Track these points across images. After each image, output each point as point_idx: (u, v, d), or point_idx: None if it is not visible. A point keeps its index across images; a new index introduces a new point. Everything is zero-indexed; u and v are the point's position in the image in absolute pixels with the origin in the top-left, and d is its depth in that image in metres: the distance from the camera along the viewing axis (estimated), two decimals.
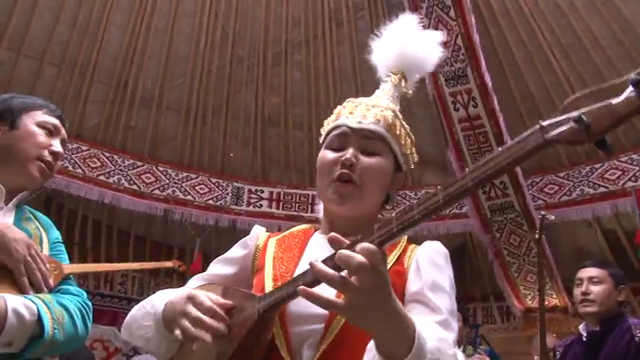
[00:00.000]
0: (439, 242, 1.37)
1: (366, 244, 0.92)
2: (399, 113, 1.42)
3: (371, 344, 1.04)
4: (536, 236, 2.77)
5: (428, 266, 1.29)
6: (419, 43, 1.49)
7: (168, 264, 4.17)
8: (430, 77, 5.61)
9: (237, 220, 6.66)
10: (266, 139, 6.81)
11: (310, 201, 6.77)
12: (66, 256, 1.76)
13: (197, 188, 6.67)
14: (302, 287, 0.96)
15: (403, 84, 1.51)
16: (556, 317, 6.17)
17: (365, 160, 1.32)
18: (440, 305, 1.24)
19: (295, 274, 1.24)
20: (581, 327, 2.69)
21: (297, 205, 6.80)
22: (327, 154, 1.35)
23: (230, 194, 6.75)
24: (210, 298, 1.20)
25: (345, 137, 1.34)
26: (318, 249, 1.32)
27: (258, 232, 1.43)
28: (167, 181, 6.52)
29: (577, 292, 2.68)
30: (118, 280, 6.97)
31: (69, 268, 1.74)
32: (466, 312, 6.48)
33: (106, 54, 6.10)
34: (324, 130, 1.44)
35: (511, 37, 5.80)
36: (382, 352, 1.00)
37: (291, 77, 6.49)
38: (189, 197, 6.59)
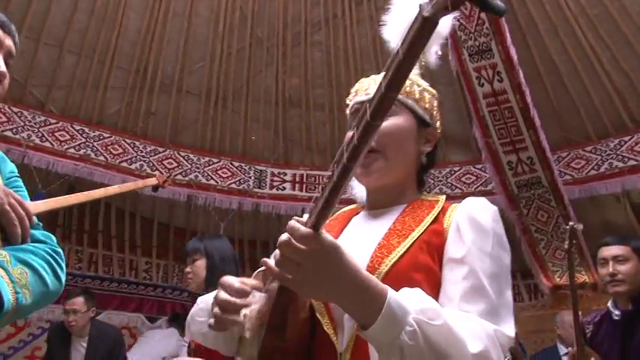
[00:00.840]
0: (484, 198, 1.31)
1: (291, 223, 0.98)
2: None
3: None
4: (566, 246, 2.69)
5: (468, 225, 1.23)
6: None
7: (152, 181, 3.85)
8: (453, 52, 5.52)
9: (260, 204, 6.63)
10: (287, 120, 6.75)
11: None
12: (26, 193, 1.49)
13: (219, 172, 6.64)
14: (264, 260, 1.04)
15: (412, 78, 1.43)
16: (585, 294, 6.08)
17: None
18: (477, 268, 1.17)
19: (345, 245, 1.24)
20: (610, 304, 2.64)
21: (320, 186, 6.75)
22: (348, 134, 1.31)
23: (253, 178, 6.72)
24: (241, 280, 1.21)
25: (358, 113, 1.28)
26: (355, 227, 1.35)
27: None
28: (189, 166, 6.50)
29: (603, 272, 2.63)
30: (142, 267, 6.98)
31: (33, 206, 1.46)
32: None
33: (124, 40, 6.06)
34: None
35: (535, 9, 5.66)
36: (356, 321, 1.04)
37: (311, 57, 6.42)
38: (211, 182, 6.57)
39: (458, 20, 5.54)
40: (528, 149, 5.62)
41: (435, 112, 1.42)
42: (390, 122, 1.32)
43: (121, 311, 6.77)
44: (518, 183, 5.94)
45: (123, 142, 6.33)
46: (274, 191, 6.74)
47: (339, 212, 1.44)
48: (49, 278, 1.34)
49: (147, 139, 6.42)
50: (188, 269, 3.12)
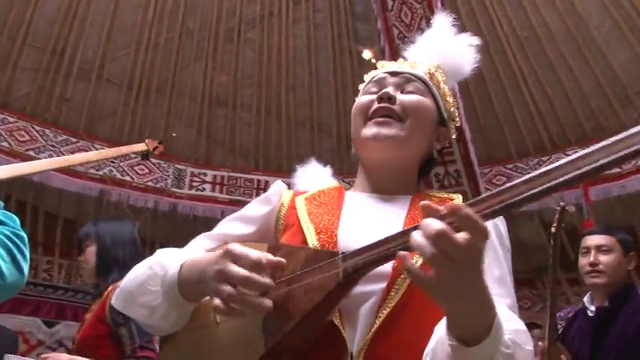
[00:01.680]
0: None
1: (470, 212, 0.73)
2: (442, 70, 1.32)
3: (440, 324, 0.90)
4: (553, 230, 2.59)
5: (496, 241, 1.14)
6: (455, 49, 1.37)
7: (140, 147, 3.42)
8: (389, 59, 5.52)
9: (178, 204, 6.29)
10: (212, 119, 6.48)
11: (256, 186, 6.52)
12: None
13: (136, 168, 6.24)
14: (402, 253, 0.78)
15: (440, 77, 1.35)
16: None
17: (406, 96, 1.22)
18: (509, 288, 1.11)
19: (340, 230, 1.10)
20: (586, 299, 2.53)
21: (241, 189, 6.51)
22: (362, 99, 1.26)
23: (171, 176, 6.37)
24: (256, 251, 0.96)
25: (382, 81, 1.25)
26: (357, 206, 1.19)
27: (282, 189, 1.27)
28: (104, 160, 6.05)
29: (584, 261, 2.54)
30: (43, 266, 6.40)
31: None
32: None
33: (41, 16, 5.58)
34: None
35: (470, 25, 5.77)
36: (455, 332, 0.84)
37: (242, 56, 6.21)
38: (127, 178, 6.16)
39: (397, 28, 5.61)
40: (456, 162, 5.70)
41: (452, 116, 1.32)
42: (417, 97, 1.23)
43: (14, 314, 6.15)
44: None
45: (31, 128, 5.81)
46: (193, 192, 6.42)
47: (318, 189, 1.27)
48: (5, 267, 1.16)
49: (58, 128, 5.92)
50: (80, 258, 2.73)
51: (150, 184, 6.23)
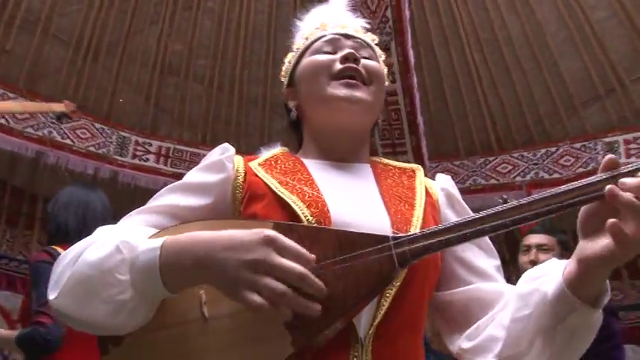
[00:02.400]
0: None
1: None
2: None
3: (556, 283, 0.87)
4: None
5: (461, 204, 1.20)
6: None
7: (58, 106, 3.22)
8: None
9: (119, 173, 6.04)
10: (162, 88, 6.23)
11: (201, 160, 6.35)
12: None
13: (77, 132, 5.93)
14: (611, 187, 0.79)
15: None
16: None
17: (367, 61, 1.18)
18: (490, 247, 1.16)
19: (328, 200, 1.03)
20: None
21: (187, 163, 6.31)
22: (317, 57, 1.19)
23: (114, 143, 6.10)
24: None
25: (337, 42, 1.21)
26: (324, 175, 1.12)
27: (233, 153, 1.16)
28: (43, 120, 5.71)
29: (524, 259, 2.64)
30: None
31: None
32: None
33: None
34: (291, 58, 1.29)
35: (432, 20, 5.84)
36: (587, 293, 0.85)
37: (200, 25, 5.99)
38: (67, 141, 5.84)
39: (362, 14, 5.58)
40: (407, 154, 5.74)
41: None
42: (376, 63, 1.21)
43: None
44: None
45: None
46: (136, 161, 6.18)
47: (266, 156, 1.19)
48: None
49: None
50: None
51: (91, 149, 5.95)
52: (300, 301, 0.81)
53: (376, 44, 1.29)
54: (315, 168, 1.15)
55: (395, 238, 0.87)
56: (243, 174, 1.11)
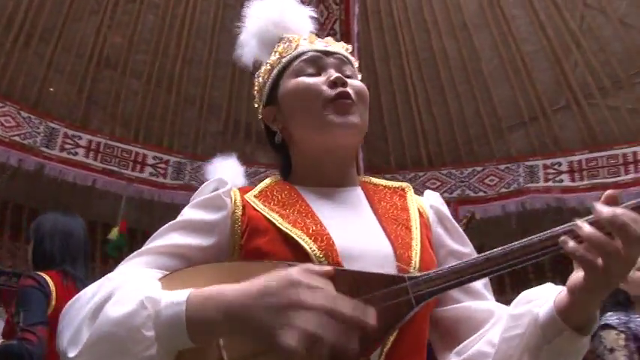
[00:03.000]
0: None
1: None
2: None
3: (548, 316, 0.92)
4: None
5: (451, 221, 1.21)
6: (300, 15, 1.34)
7: None
8: None
9: (45, 165, 5.76)
10: (97, 81, 6.02)
11: (133, 158, 6.18)
12: None
13: (2, 119, 5.61)
14: (564, 238, 0.83)
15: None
16: None
17: (353, 81, 1.17)
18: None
19: (332, 232, 1.04)
20: None
21: (117, 160, 6.12)
22: (303, 80, 1.16)
23: (42, 134, 5.81)
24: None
25: (319, 61, 1.18)
26: (321, 204, 1.12)
27: (229, 187, 1.13)
28: None
29: None
30: None
31: None
32: None
33: None
34: (265, 74, 1.24)
35: (375, 36, 6.01)
36: (574, 321, 0.90)
37: (143, 19, 5.85)
38: None
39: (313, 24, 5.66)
40: None
41: None
42: (360, 83, 1.19)
43: None
44: None
45: None
46: (64, 154, 5.92)
47: (260, 187, 1.16)
48: None
49: None
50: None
51: (16, 139, 5.63)
52: (339, 335, 0.77)
53: (350, 52, 1.27)
54: (312, 197, 1.14)
55: (411, 278, 0.90)
56: (241, 207, 1.08)
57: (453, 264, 0.92)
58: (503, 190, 6.10)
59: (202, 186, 1.13)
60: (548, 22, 5.58)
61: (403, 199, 1.18)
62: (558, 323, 0.89)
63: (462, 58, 5.98)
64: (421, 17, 5.90)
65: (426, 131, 6.33)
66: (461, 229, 1.23)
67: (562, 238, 0.83)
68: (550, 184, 5.93)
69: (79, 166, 5.93)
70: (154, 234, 1.05)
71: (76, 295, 0.93)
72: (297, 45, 1.21)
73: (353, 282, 0.88)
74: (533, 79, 5.87)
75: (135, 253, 1.02)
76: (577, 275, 0.88)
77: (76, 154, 5.98)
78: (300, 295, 0.77)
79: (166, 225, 1.06)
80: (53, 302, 2.44)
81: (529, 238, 0.89)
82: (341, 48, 1.24)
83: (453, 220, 1.21)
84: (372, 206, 1.14)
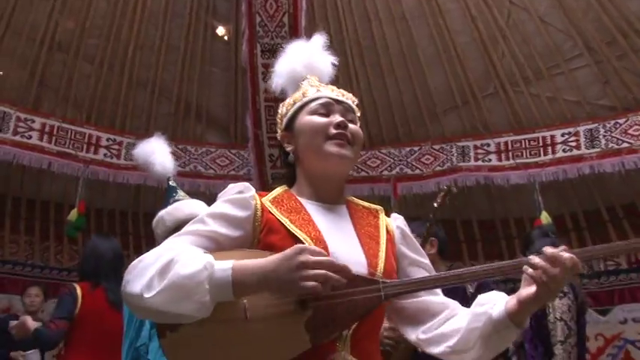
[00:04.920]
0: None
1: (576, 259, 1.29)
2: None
3: (481, 310, 1.40)
4: (435, 205, 3.15)
5: (411, 239, 1.62)
6: (323, 62, 1.76)
7: None
8: (247, 44, 5.83)
9: None
10: (49, 64, 6.14)
11: (87, 140, 6.35)
12: None
13: None
14: (529, 270, 1.30)
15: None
16: None
17: (352, 126, 1.54)
18: (432, 269, 1.65)
19: (326, 239, 1.41)
20: None
21: (71, 142, 6.29)
22: (315, 118, 1.52)
23: None
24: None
25: (330, 106, 1.55)
26: (318, 215, 1.48)
27: (254, 192, 1.47)
28: None
29: None
30: None
31: None
32: None
33: None
34: (289, 106, 1.61)
35: (321, 27, 6.34)
36: (517, 319, 1.36)
37: (95, 4, 5.98)
38: None
39: (260, 16, 5.93)
40: None
41: None
42: (358, 128, 1.56)
43: None
44: (274, 175, 6.52)
45: None
46: (18, 138, 6.04)
47: (273, 194, 1.51)
48: None
49: None
50: None
51: None
52: (335, 278, 1.22)
53: (357, 105, 1.66)
54: (312, 209, 1.48)
55: (384, 282, 1.35)
56: (261, 210, 1.43)
57: (418, 277, 1.42)
58: (438, 168, 6.57)
59: (229, 187, 1.47)
60: (479, 16, 6.06)
61: (376, 219, 1.57)
62: (507, 321, 1.35)
63: (400, 46, 6.40)
64: (363, 8, 6.28)
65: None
66: (418, 244, 1.63)
67: (525, 266, 1.30)
68: (480, 163, 6.45)
69: (34, 149, 6.06)
70: (196, 218, 1.41)
71: (139, 257, 1.29)
72: (318, 90, 1.59)
73: (346, 276, 1.27)
74: (465, 68, 6.36)
75: (183, 231, 1.38)
76: (526, 290, 1.33)
77: (30, 137, 6.10)
78: (305, 257, 1.20)
79: (206, 213, 1.40)
80: (79, 304, 3.36)
81: (481, 266, 1.38)
82: (349, 99, 1.62)
83: (413, 239, 1.62)
84: (353, 223, 1.52)
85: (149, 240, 6.92)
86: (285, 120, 1.61)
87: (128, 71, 6.41)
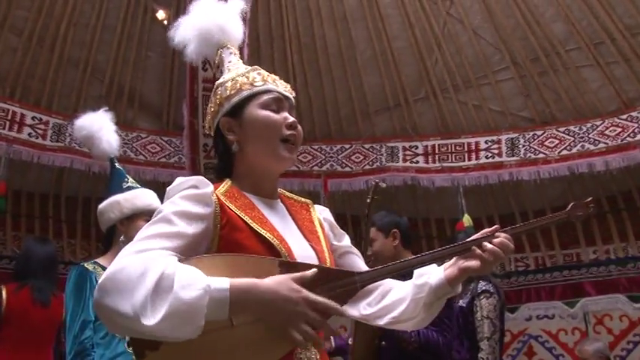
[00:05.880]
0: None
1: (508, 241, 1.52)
2: None
3: (427, 279, 1.52)
4: (368, 200, 3.30)
5: (337, 228, 1.69)
6: (238, 30, 1.78)
7: None
8: None
9: None
10: None
11: (10, 117, 6.02)
12: None
13: None
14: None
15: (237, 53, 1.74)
16: None
17: (299, 126, 1.57)
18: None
19: (287, 238, 1.44)
20: None
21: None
22: (270, 115, 1.51)
23: None
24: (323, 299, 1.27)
25: (280, 102, 1.54)
26: (269, 213, 1.49)
27: (212, 188, 1.43)
28: None
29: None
30: None
31: None
32: None
33: None
34: (232, 90, 1.56)
35: (262, 18, 6.38)
36: (453, 284, 1.52)
37: None
38: None
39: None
40: None
41: None
42: (299, 127, 1.57)
43: None
44: (207, 165, 6.47)
45: None
46: None
47: (222, 190, 1.46)
48: None
49: None
50: None
51: None
52: (317, 339, 1.30)
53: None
54: (259, 205, 1.48)
55: (359, 274, 1.44)
56: (219, 206, 1.39)
57: (385, 264, 1.49)
58: (367, 166, 6.77)
59: (180, 180, 1.42)
60: (416, 23, 6.31)
61: (309, 213, 1.61)
62: (447, 288, 1.51)
63: (339, 46, 6.55)
64: (306, 5, 6.36)
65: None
66: (342, 230, 1.70)
67: (473, 247, 1.48)
68: (407, 164, 6.72)
69: None
70: (158, 217, 1.33)
71: (117, 266, 1.20)
72: (266, 81, 1.56)
73: (321, 273, 1.33)
74: (400, 72, 6.59)
75: (151, 232, 1.29)
76: (468, 262, 1.49)
77: None
78: (307, 309, 1.23)
79: (169, 211, 1.33)
80: (3, 304, 3.50)
81: (437, 249, 1.54)
82: (292, 94, 1.61)
83: (338, 227, 1.69)
84: (293, 218, 1.56)
85: (70, 225, 6.72)
86: (228, 105, 1.54)
87: (59, 48, 6.15)
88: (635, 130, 5.93)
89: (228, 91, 1.55)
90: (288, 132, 1.51)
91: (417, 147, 6.76)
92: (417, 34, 6.38)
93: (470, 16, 6.14)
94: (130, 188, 3.06)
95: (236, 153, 1.52)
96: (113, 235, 3.01)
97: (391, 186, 6.60)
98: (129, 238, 2.75)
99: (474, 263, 1.48)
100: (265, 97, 1.53)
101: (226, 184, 1.49)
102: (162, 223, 1.32)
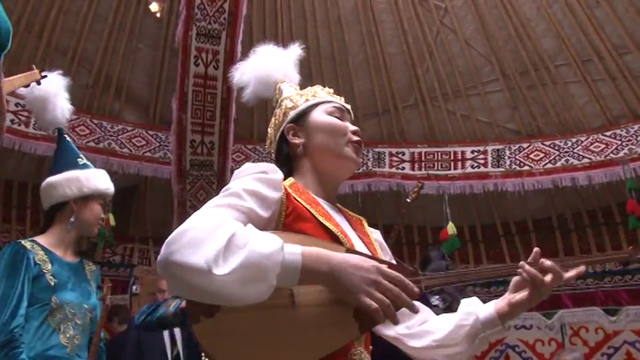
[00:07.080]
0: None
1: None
2: None
3: (477, 311, 1.52)
4: (408, 200, 3.34)
5: (387, 250, 1.70)
6: (295, 72, 1.92)
7: (34, 75, 3.01)
8: (183, 25, 5.71)
9: None
10: None
11: None
12: None
13: None
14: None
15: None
16: None
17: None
18: None
19: (351, 238, 1.44)
20: None
21: None
22: (335, 120, 1.58)
23: None
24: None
25: (342, 112, 1.62)
26: (330, 212, 1.49)
27: (282, 176, 1.43)
28: None
29: None
30: None
31: None
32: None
33: None
34: (297, 101, 1.65)
35: (256, 18, 6.37)
36: (505, 319, 1.50)
37: None
38: None
39: (201, 0, 5.82)
40: (214, 135, 6.18)
41: None
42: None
43: None
44: (192, 161, 6.42)
45: None
46: None
47: (288, 183, 1.47)
48: None
49: None
50: None
51: None
52: (393, 313, 1.20)
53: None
54: (325, 205, 1.48)
55: (424, 275, 1.40)
56: (286, 195, 1.40)
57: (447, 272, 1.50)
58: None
59: (249, 165, 1.40)
60: (410, 31, 6.37)
61: (364, 227, 1.61)
62: (497, 321, 1.49)
63: (332, 49, 6.57)
64: (301, 6, 6.37)
65: None
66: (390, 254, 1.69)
67: (520, 269, 1.42)
68: (394, 170, 6.77)
69: None
70: (228, 192, 1.30)
71: (186, 225, 1.14)
72: (328, 93, 1.68)
73: (394, 269, 1.28)
74: (390, 78, 6.65)
75: (223, 200, 1.27)
76: (518, 295, 1.46)
77: None
78: (381, 278, 1.20)
79: (240, 187, 1.30)
80: None
81: (497, 265, 1.52)
82: (349, 105, 1.69)
83: (388, 249, 1.67)
84: (351, 226, 1.55)
85: None
86: (293, 113, 1.62)
87: (48, 35, 6.05)
88: (619, 147, 6.06)
89: (293, 102, 1.65)
90: (355, 137, 1.57)
91: (403, 153, 6.81)
92: (410, 41, 6.43)
93: (463, 26, 6.22)
94: (86, 166, 2.79)
95: (300, 157, 1.56)
96: (57, 213, 2.65)
97: (375, 191, 6.63)
98: (80, 220, 2.61)
99: (523, 295, 1.45)
100: (329, 105, 1.61)
101: (289, 180, 1.50)
102: (233, 197, 1.29)
